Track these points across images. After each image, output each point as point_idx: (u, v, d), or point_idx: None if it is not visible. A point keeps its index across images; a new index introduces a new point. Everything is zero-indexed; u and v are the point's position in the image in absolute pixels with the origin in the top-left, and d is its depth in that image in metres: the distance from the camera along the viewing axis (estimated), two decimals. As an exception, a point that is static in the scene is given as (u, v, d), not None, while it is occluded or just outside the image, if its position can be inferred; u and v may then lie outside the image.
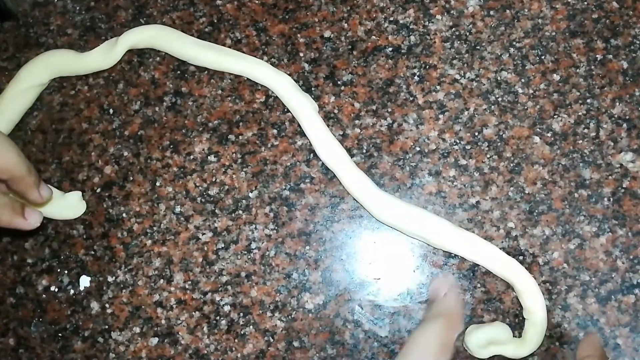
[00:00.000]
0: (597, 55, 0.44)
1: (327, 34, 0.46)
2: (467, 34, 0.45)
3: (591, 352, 0.38)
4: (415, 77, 0.45)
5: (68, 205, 0.44)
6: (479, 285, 0.41)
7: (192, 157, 0.45)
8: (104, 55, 0.45)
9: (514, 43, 0.45)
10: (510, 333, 0.40)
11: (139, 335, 0.42)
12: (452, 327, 0.39)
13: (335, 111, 0.45)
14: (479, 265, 0.42)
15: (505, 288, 0.41)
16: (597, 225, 0.42)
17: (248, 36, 0.46)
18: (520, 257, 0.41)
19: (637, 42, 0.44)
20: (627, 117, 0.43)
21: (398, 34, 0.46)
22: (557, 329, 0.41)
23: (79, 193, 0.44)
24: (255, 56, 0.46)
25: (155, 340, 0.42)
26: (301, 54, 0.46)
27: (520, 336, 0.40)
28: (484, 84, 0.44)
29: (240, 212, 0.44)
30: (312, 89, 0.45)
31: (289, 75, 0.45)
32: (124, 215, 0.44)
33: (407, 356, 0.37)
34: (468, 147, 0.43)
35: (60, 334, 0.43)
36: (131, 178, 0.45)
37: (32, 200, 0.37)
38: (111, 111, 0.46)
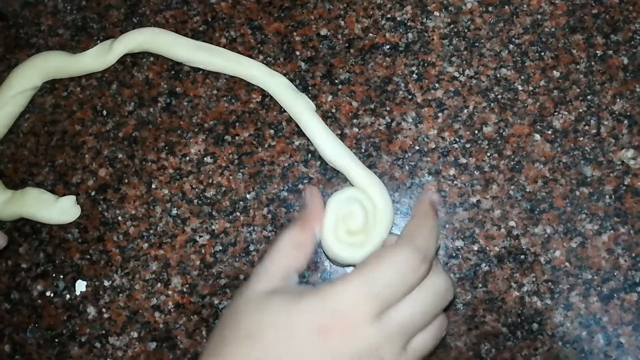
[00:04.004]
0: (597, 51, 0.44)
1: (323, 32, 0.45)
2: (466, 30, 0.45)
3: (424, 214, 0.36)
4: (414, 75, 0.44)
5: (62, 210, 0.43)
6: (480, 285, 0.41)
7: (187, 158, 0.44)
8: (97, 58, 0.44)
9: (513, 39, 0.44)
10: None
11: (137, 339, 0.42)
12: (309, 224, 0.36)
13: (333, 110, 0.44)
14: (480, 265, 0.41)
15: (507, 287, 0.41)
16: (599, 223, 0.41)
17: (243, 35, 0.46)
18: (522, 256, 0.41)
19: (638, 37, 0.44)
20: (628, 114, 0.43)
21: (395, 32, 0.45)
22: (559, 328, 0.40)
23: (73, 197, 0.43)
24: (250, 55, 0.45)
25: (153, 345, 0.42)
26: (297, 53, 0.45)
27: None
28: (483, 81, 0.44)
29: (238, 213, 0.43)
30: (309, 88, 0.44)
31: (285, 74, 0.44)
32: (120, 218, 0.43)
33: (259, 261, 0.36)
34: (468, 145, 0.43)
35: (56, 340, 0.42)
36: (126, 180, 0.44)
37: None
38: (105, 113, 0.45)
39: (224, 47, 0.45)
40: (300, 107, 0.42)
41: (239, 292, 0.34)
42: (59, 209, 0.43)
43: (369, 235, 0.38)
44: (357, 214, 0.38)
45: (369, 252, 0.36)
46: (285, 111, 0.44)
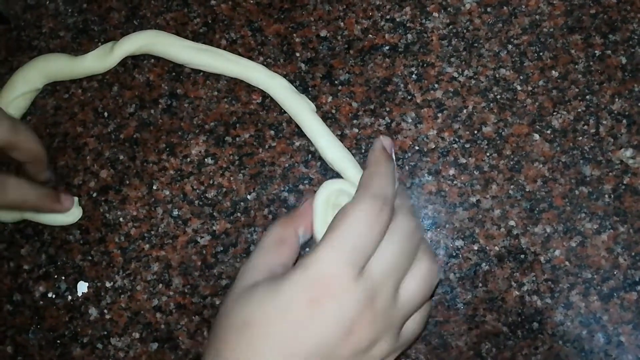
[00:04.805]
0: (596, 51, 0.44)
1: (323, 33, 0.45)
2: (465, 31, 0.45)
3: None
4: (413, 76, 0.44)
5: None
6: (480, 284, 0.41)
7: (188, 159, 0.44)
8: (99, 60, 0.45)
9: (512, 40, 0.44)
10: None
11: (139, 340, 0.42)
12: (293, 222, 0.37)
13: (333, 111, 0.44)
14: (480, 264, 0.41)
15: (507, 287, 0.41)
16: (599, 222, 0.41)
17: (243, 36, 0.46)
18: (522, 256, 0.41)
19: (636, 37, 0.44)
20: (627, 113, 0.43)
21: (395, 32, 0.45)
22: (559, 327, 0.40)
23: (75, 199, 0.43)
24: (251, 57, 0.45)
25: (155, 346, 0.42)
26: (297, 54, 0.45)
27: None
28: (482, 82, 0.44)
29: (239, 214, 0.43)
30: (309, 89, 0.45)
31: (285, 75, 0.45)
32: (121, 219, 0.44)
33: (247, 257, 0.36)
34: (467, 145, 0.43)
35: (58, 341, 0.42)
36: (127, 182, 0.44)
37: (41, 180, 0.42)
38: (106, 114, 0.45)
39: (225, 48, 0.45)
40: (300, 108, 0.43)
41: (228, 291, 0.34)
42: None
43: None
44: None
45: None
46: (285, 112, 0.44)
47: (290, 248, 0.36)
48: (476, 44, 0.45)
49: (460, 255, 0.42)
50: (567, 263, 0.41)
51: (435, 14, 0.45)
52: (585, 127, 0.43)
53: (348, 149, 0.43)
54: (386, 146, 0.37)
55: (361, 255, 0.32)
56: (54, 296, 0.43)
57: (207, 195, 0.44)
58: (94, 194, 0.44)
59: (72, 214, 0.43)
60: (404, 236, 0.34)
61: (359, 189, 0.35)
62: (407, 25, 0.45)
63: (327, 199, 0.37)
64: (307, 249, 0.40)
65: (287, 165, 0.44)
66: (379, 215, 0.33)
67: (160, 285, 0.42)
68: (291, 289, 0.31)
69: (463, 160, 0.43)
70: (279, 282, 0.32)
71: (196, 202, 0.43)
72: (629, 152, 0.42)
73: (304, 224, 0.37)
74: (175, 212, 0.43)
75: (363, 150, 0.43)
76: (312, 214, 0.37)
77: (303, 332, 0.31)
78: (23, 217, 0.43)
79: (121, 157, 0.44)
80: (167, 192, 0.44)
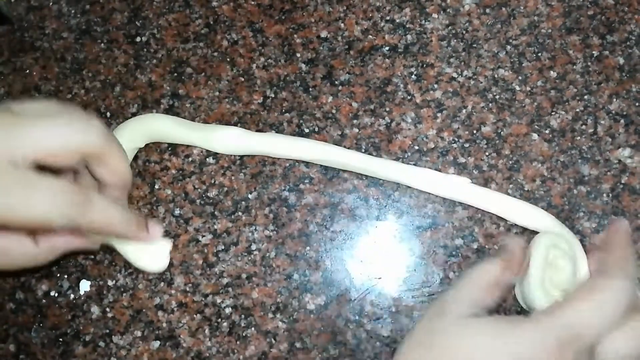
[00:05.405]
0: (594, 52, 0.44)
1: (323, 34, 0.46)
2: (464, 32, 0.45)
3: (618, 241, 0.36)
4: (413, 76, 0.45)
5: (154, 254, 0.42)
6: (479, 282, 0.42)
7: (190, 159, 0.45)
8: (206, 136, 0.43)
9: (511, 40, 0.45)
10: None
11: (140, 339, 0.42)
12: (511, 268, 0.36)
13: (333, 111, 0.45)
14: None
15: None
16: (597, 221, 0.42)
17: (245, 37, 0.46)
18: (521, 254, 0.42)
19: (633, 38, 0.44)
20: (625, 113, 0.43)
21: (395, 33, 0.46)
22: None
23: (169, 245, 0.42)
24: (251, 57, 0.46)
25: (156, 344, 0.42)
26: (298, 55, 0.46)
27: None
28: (481, 82, 0.44)
29: (240, 213, 0.43)
30: (310, 89, 0.45)
31: (286, 76, 0.45)
32: (123, 218, 0.44)
33: (452, 288, 0.35)
34: (467, 145, 0.43)
35: (61, 339, 0.43)
36: (130, 181, 0.44)
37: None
38: (108, 114, 0.46)
39: (226, 49, 0.46)
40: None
41: (432, 313, 0.34)
42: (151, 253, 0.42)
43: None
44: (564, 265, 0.38)
45: None
46: (286, 112, 0.44)
47: (502, 291, 0.35)
48: (475, 45, 0.45)
49: (460, 254, 0.42)
50: (565, 261, 0.41)
51: (435, 15, 0.46)
52: (584, 127, 0.43)
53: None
54: (626, 231, 0.37)
55: (607, 328, 0.31)
56: (56, 295, 0.43)
57: (208, 194, 0.44)
58: (97, 193, 0.44)
59: (161, 261, 0.42)
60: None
61: (610, 269, 0.34)
62: (407, 26, 0.46)
63: (545, 256, 0.38)
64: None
65: (287, 164, 0.44)
66: (629, 298, 0.32)
67: (162, 283, 0.43)
68: (515, 341, 0.31)
69: (462, 160, 0.43)
70: (508, 326, 0.31)
71: (197, 201, 0.44)
72: (626, 152, 0.43)
73: (520, 274, 0.37)
74: (177, 211, 0.44)
75: (363, 150, 0.44)
76: (530, 266, 0.38)
77: None
78: (112, 245, 0.41)
79: (123, 156, 0.45)
80: (169, 192, 0.44)
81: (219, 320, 0.42)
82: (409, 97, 0.44)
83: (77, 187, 0.32)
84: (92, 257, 0.44)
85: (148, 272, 0.42)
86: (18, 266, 0.37)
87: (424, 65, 0.45)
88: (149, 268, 0.42)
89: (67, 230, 0.35)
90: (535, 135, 0.43)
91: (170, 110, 0.45)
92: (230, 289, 0.42)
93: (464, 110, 0.44)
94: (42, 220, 0.31)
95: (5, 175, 0.30)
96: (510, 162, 0.43)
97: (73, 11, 0.48)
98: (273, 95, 0.45)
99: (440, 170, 0.43)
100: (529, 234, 0.42)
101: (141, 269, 0.42)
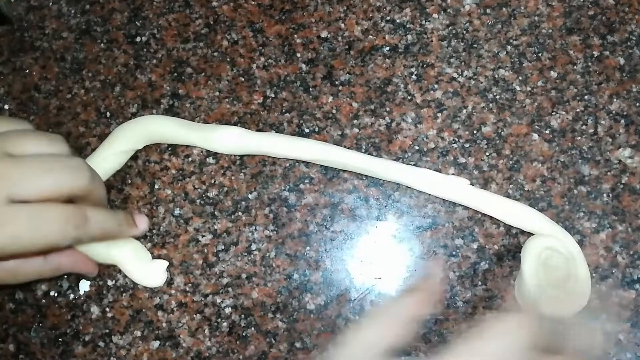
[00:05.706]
0: (594, 52, 0.44)
1: (324, 34, 0.46)
2: (464, 32, 0.45)
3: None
4: (413, 76, 0.45)
5: (151, 272, 0.43)
6: (480, 283, 0.41)
7: (190, 159, 0.45)
8: (205, 136, 0.44)
9: (511, 41, 0.45)
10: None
11: (140, 338, 0.42)
12: (424, 302, 0.33)
13: (334, 111, 0.45)
14: (480, 263, 0.42)
15: (507, 285, 0.41)
16: (597, 221, 0.42)
17: (245, 37, 0.46)
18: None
19: (633, 38, 0.44)
20: (625, 113, 0.43)
21: (395, 33, 0.46)
22: (558, 325, 0.41)
23: (166, 263, 0.43)
24: (251, 57, 0.46)
25: (156, 344, 0.42)
26: (298, 55, 0.46)
27: None
28: (482, 82, 0.44)
29: (240, 213, 0.43)
30: (310, 89, 0.45)
31: (286, 76, 0.45)
32: (123, 218, 0.44)
33: (362, 326, 0.33)
34: (467, 145, 0.43)
35: (60, 339, 0.43)
36: (129, 181, 0.44)
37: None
38: (108, 114, 0.46)
39: (226, 49, 0.46)
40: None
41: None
42: (149, 270, 0.42)
43: (570, 291, 0.39)
44: (559, 265, 0.39)
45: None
46: (286, 112, 0.44)
47: (417, 328, 0.32)
48: (475, 45, 0.45)
49: (460, 254, 0.42)
50: (566, 262, 0.41)
51: (435, 15, 0.46)
52: (584, 127, 0.43)
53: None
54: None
55: None
56: (56, 294, 0.43)
57: (208, 194, 0.44)
58: (96, 193, 0.44)
59: (158, 277, 0.43)
60: None
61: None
62: (407, 26, 0.46)
63: (539, 255, 0.39)
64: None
65: (287, 164, 0.44)
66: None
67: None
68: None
69: (463, 160, 0.43)
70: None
71: (197, 201, 0.44)
72: (627, 152, 0.43)
73: (437, 309, 0.37)
74: (177, 211, 0.44)
75: (363, 150, 0.44)
76: (524, 266, 0.38)
77: None
78: (113, 261, 0.42)
79: (123, 156, 0.45)
80: (169, 192, 0.44)
81: (219, 320, 0.42)
82: (409, 97, 0.44)
83: (76, 209, 0.36)
84: (92, 257, 0.44)
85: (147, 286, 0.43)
86: (25, 281, 0.40)
87: (424, 66, 0.45)
88: (148, 284, 0.43)
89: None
90: (535, 136, 0.43)
91: (170, 110, 0.45)
92: (230, 289, 0.42)
93: (464, 111, 0.44)
94: (50, 246, 0.36)
95: (7, 208, 0.34)
96: (511, 162, 0.43)
97: (73, 11, 0.48)
98: (273, 95, 0.45)
99: (440, 171, 0.43)
100: (527, 235, 0.42)
101: (144, 285, 0.43)
